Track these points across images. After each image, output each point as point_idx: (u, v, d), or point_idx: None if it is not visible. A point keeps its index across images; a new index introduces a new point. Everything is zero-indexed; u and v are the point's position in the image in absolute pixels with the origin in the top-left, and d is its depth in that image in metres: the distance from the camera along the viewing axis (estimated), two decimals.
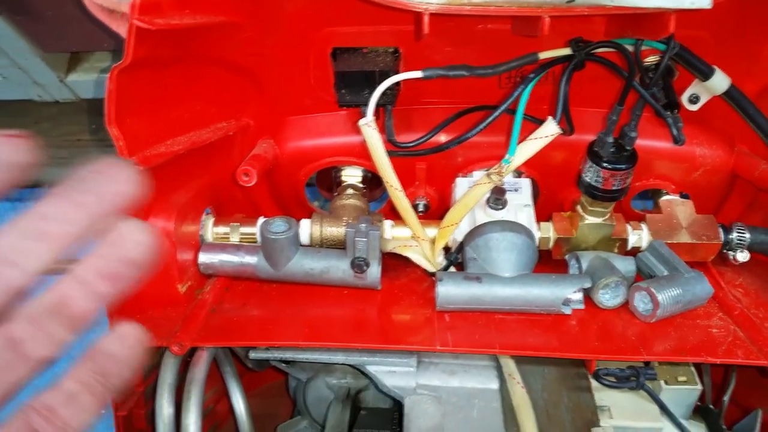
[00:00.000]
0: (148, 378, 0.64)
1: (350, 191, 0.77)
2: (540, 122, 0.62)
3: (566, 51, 0.62)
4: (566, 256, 0.70)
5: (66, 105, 1.15)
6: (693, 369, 0.71)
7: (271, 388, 0.89)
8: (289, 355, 0.68)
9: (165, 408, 0.60)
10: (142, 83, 0.55)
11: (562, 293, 0.61)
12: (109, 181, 0.25)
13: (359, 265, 0.64)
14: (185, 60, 0.60)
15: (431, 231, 0.69)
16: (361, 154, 0.75)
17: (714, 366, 0.74)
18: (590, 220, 0.68)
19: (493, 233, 0.65)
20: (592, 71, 0.64)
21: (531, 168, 0.76)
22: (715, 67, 0.65)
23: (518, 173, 0.75)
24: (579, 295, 0.63)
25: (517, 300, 0.62)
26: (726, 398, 0.72)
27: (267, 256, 0.65)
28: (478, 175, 0.75)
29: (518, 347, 0.59)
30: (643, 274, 0.67)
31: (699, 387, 0.69)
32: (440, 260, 0.69)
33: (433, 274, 0.68)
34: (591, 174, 0.65)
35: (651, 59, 0.65)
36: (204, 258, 0.66)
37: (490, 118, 0.64)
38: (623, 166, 0.64)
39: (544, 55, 0.62)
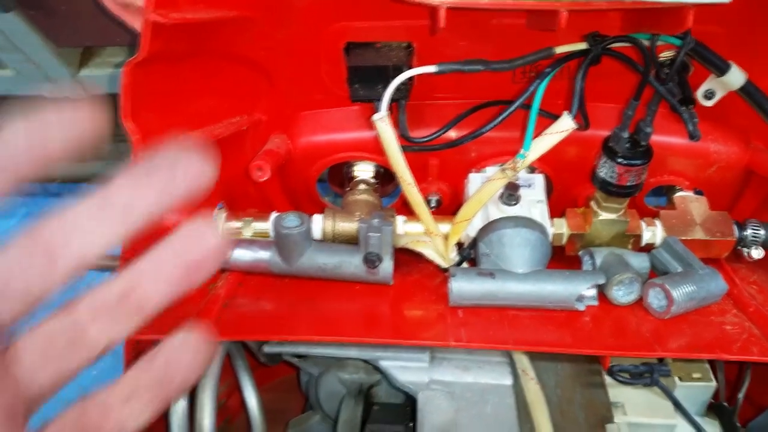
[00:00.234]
0: None
1: (362, 186, 0.76)
2: (555, 117, 0.61)
3: (582, 45, 0.62)
4: (580, 252, 0.70)
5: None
6: (707, 366, 0.70)
7: (283, 383, 0.89)
8: (302, 349, 0.69)
9: (178, 402, 0.60)
10: (157, 78, 0.55)
11: (575, 289, 0.61)
12: (180, 164, 0.24)
13: (372, 261, 0.64)
14: (199, 54, 0.60)
15: (444, 226, 0.69)
16: (373, 149, 0.75)
17: (728, 363, 0.74)
18: (604, 216, 0.68)
19: (507, 229, 0.64)
20: (607, 66, 0.64)
21: (544, 163, 0.75)
22: (731, 62, 0.64)
23: (531, 169, 0.75)
24: (593, 292, 0.62)
25: (530, 296, 0.61)
26: (740, 395, 0.72)
27: (280, 251, 0.65)
28: (491, 170, 0.75)
29: (532, 343, 0.59)
30: (657, 271, 0.67)
31: (713, 384, 0.68)
32: (453, 256, 0.69)
33: (446, 270, 0.68)
34: (605, 170, 0.65)
35: (666, 54, 0.64)
36: None
37: (506, 114, 0.64)
38: (638, 162, 0.63)
39: (560, 49, 0.62)
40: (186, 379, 0.26)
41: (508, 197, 0.67)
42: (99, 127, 0.23)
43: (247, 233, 0.70)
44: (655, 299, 0.61)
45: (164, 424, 0.64)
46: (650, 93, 0.63)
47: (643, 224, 0.69)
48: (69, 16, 0.81)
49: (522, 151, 0.62)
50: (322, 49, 0.68)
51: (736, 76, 0.65)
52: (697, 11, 0.56)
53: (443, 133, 0.71)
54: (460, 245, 0.69)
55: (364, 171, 0.78)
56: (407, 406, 0.71)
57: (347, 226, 0.70)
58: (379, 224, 0.63)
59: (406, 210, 0.70)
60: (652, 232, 0.69)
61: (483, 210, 0.67)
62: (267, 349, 0.69)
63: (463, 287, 0.61)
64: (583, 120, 0.66)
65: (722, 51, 0.63)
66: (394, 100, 0.66)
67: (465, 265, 0.68)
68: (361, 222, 0.64)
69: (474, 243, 0.67)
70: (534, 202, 0.69)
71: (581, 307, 0.62)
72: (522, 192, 0.68)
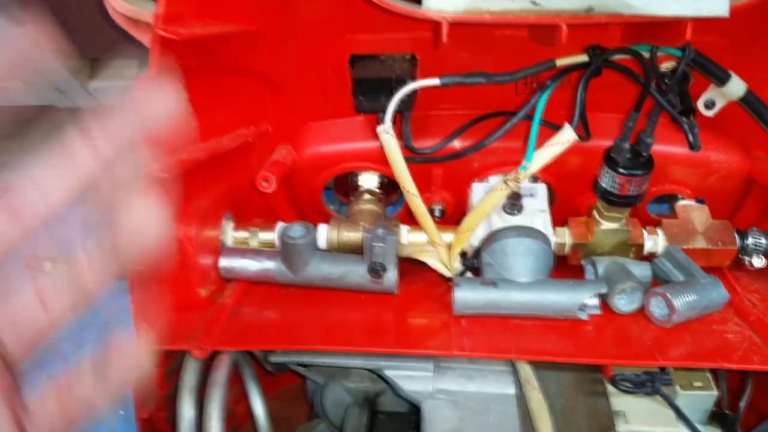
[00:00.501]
0: (170, 381, 0.65)
1: (367, 196, 0.77)
2: (557, 128, 0.62)
3: (583, 58, 0.63)
4: (582, 262, 0.70)
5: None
6: (709, 374, 0.71)
7: (289, 392, 0.90)
8: (307, 358, 0.69)
9: (186, 411, 0.61)
10: None
11: (578, 298, 0.61)
12: (149, 99, 0.24)
13: (376, 270, 0.64)
14: (207, 68, 0.61)
15: (447, 236, 0.70)
16: (378, 159, 0.76)
17: (730, 371, 0.74)
18: (606, 225, 0.69)
19: (510, 238, 0.65)
20: (608, 78, 0.65)
21: (547, 173, 0.76)
22: (731, 72, 0.65)
23: (534, 178, 0.75)
24: (595, 301, 0.63)
25: (533, 305, 0.62)
26: (742, 404, 0.72)
27: (285, 261, 0.66)
28: (494, 180, 0.76)
29: (535, 352, 0.60)
30: (659, 280, 0.67)
31: (715, 392, 0.69)
32: (457, 265, 0.69)
33: (449, 279, 0.68)
34: (607, 179, 0.65)
35: (667, 65, 0.65)
36: (224, 262, 0.67)
37: (509, 125, 0.65)
38: (639, 172, 0.64)
39: (562, 62, 0.63)
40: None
41: (510, 207, 0.67)
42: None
43: (254, 243, 0.70)
44: (656, 308, 0.62)
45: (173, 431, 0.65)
46: (651, 104, 0.63)
47: (645, 233, 0.70)
48: (79, 29, 0.83)
49: (524, 162, 0.62)
50: (328, 61, 0.69)
51: (736, 86, 0.65)
52: (696, 23, 0.57)
53: (446, 144, 0.72)
54: (463, 255, 0.70)
55: (369, 181, 0.79)
56: (412, 415, 0.71)
57: (352, 235, 0.71)
58: (383, 234, 0.63)
59: (410, 219, 0.70)
60: (654, 241, 0.70)
61: (486, 220, 0.68)
62: (273, 358, 0.69)
63: (467, 296, 0.62)
64: (585, 131, 0.66)
65: (723, 61, 0.64)
66: (398, 112, 0.67)
67: (468, 274, 0.69)
68: (366, 232, 0.64)
69: (477, 252, 0.68)
70: (537, 211, 0.69)
71: (584, 316, 0.62)
72: (524, 201, 0.68)
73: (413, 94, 0.68)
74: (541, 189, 0.72)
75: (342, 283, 0.66)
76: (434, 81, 0.62)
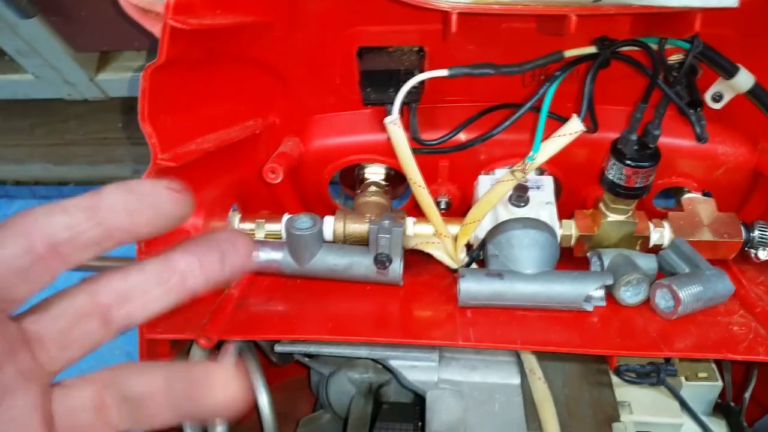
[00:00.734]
0: None
1: (373, 188, 0.78)
2: (564, 120, 0.62)
3: (591, 49, 0.63)
4: (588, 254, 0.71)
5: (95, 103, 1.17)
6: (714, 366, 0.71)
7: (294, 383, 0.90)
8: (312, 349, 0.70)
9: None
10: (175, 82, 0.56)
11: (583, 290, 0.62)
12: (231, 247, 0.27)
13: (382, 262, 0.65)
14: (216, 59, 0.61)
15: (453, 228, 0.70)
16: (384, 151, 0.76)
17: (735, 363, 0.74)
18: (612, 217, 0.69)
19: (516, 230, 0.65)
20: (616, 69, 0.65)
21: (553, 165, 0.76)
22: (739, 65, 0.65)
23: (540, 171, 0.76)
24: (601, 292, 0.63)
25: (538, 297, 0.62)
26: (747, 395, 0.72)
27: (292, 252, 0.66)
28: (500, 172, 0.76)
29: (540, 343, 0.60)
30: (664, 272, 0.67)
31: (719, 384, 0.69)
32: (462, 257, 0.70)
33: (455, 271, 0.69)
34: (614, 171, 0.65)
35: (675, 57, 0.65)
36: None
37: (516, 116, 0.65)
38: (646, 164, 0.64)
39: (570, 53, 0.63)
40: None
41: (517, 199, 0.67)
42: (184, 209, 0.26)
43: (260, 234, 0.71)
44: (662, 300, 0.62)
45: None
46: (658, 96, 0.63)
47: (651, 225, 0.70)
48: (89, 22, 0.83)
49: (531, 154, 0.63)
50: (336, 53, 0.69)
51: (744, 79, 0.65)
52: (705, 15, 0.57)
53: (453, 135, 0.72)
54: (469, 246, 0.70)
55: (375, 173, 0.80)
56: (416, 405, 0.72)
57: (358, 227, 0.71)
58: (389, 226, 0.64)
59: (417, 211, 0.71)
60: (660, 234, 0.70)
61: (492, 211, 0.68)
62: (278, 348, 0.70)
63: (472, 288, 0.62)
64: (592, 122, 0.66)
65: (731, 54, 0.64)
66: (406, 104, 0.67)
67: (474, 266, 0.69)
68: (372, 223, 0.65)
69: (483, 244, 0.68)
70: (543, 203, 0.69)
71: (589, 307, 0.63)
72: (531, 194, 0.68)
73: (421, 85, 0.68)
74: (548, 181, 0.73)
75: (347, 274, 0.66)
76: (442, 72, 0.62)
